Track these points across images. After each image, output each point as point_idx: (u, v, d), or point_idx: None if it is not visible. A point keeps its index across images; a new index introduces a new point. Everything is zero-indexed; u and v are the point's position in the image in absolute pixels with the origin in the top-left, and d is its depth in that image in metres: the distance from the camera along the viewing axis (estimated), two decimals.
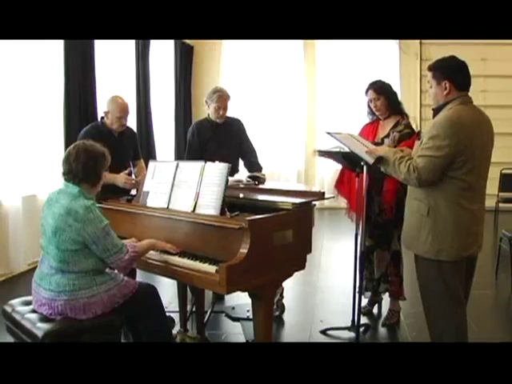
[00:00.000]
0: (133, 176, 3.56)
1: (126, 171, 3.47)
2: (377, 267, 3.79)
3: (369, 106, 3.74)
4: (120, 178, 3.41)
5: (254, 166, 4.03)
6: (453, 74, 2.57)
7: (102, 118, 3.61)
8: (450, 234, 2.56)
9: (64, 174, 2.53)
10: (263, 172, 3.86)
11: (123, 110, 3.56)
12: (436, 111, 2.65)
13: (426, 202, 2.59)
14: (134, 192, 3.44)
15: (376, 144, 3.41)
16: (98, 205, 2.70)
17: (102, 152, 2.59)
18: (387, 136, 3.58)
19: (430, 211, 2.58)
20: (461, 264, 2.63)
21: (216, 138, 4.01)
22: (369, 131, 3.74)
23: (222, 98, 3.95)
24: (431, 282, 2.66)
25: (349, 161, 3.28)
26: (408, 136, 3.49)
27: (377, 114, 3.70)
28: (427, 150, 2.50)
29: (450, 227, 2.56)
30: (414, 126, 3.72)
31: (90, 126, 3.65)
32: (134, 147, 3.82)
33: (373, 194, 3.66)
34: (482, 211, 2.67)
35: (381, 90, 3.63)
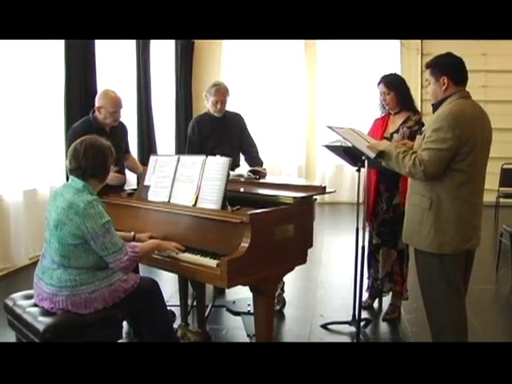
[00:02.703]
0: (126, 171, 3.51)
1: (115, 168, 3.28)
2: (382, 267, 3.78)
3: (380, 99, 3.71)
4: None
5: (254, 160, 4.02)
6: (450, 69, 2.61)
7: (94, 112, 3.49)
8: (452, 228, 2.58)
9: (72, 170, 2.52)
10: (264, 166, 3.86)
11: (117, 105, 3.46)
12: (436, 106, 2.68)
13: (427, 196, 2.60)
14: (135, 186, 3.42)
15: (385, 139, 3.41)
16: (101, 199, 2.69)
17: (108, 146, 2.59)
18: (397, 131, 3.55)
19: (432, 205, 2.59)
20: (461, 257, 2.66)
21: (216, 133, 4.00)
22: (379, 126, 3.71)
23: (219, 91, 3.93)
24: (432, 275, 2.67)
25: (350, 155, 3.27)
26: (418, 133, 3.45)
27: (386, 108, 3.68)
28: (432, 143, 2.52)
29: (453, 220, 2.58)
30: None
31: (81, 122, 3.55)
32: (124, 141, 3.74)
33: (381, 190, 3.66)
34: (481, 204, 2.70)
35: (392, 84, 3.59)
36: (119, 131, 3.66)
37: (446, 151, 2.49)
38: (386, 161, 2.73)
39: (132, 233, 2.81)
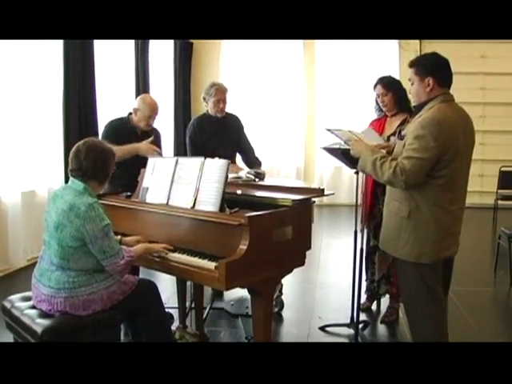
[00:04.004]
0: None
1: (149, 139, 3.51)
2: (378, 269, 3.79)
3: (376, 102, 3.70)
4: (144, 146, 3.45)
5: (253, 162, 4.01)
6: (436, 70, 2.53)
7: (130, 113, 3.63)
8: (431, 236, 2.50)
9: (72, 170, 2.53)
10: (262, 168, 3.85)
11: (152, 110, 3.60)
12: (418, 108, 2.60)
13: (406, 204, 2.53)
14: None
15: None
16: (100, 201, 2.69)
17: (111, 150, 2.61)
18: (394, 134, 3.52)
19: (411, 213, 2.51)
20: (439, 265, 2.59)
21: (217, 134, 3.97)
22: (375, 128, 3.68)
23: (220, 90, 3.91)
24: (412, 284, 2.61)
25: (348, 157, 3.26)
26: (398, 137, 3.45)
27: (383, 109, 3.68)
28: (414, 152, 2.42)
29: (432, 229, 2.50)
30: None
31: (117, 119, 3.70)
32: (156, 145, 3.72)
33: (378, 193, 3.65)
34: (462, 211, 2.61)
35: (389, 85, 3.60)
36: (150, 136, 3.65)
37: (428, 161, 2.40)
38: (361, 167, 2.64)
39: (119, 236, 2.79)
